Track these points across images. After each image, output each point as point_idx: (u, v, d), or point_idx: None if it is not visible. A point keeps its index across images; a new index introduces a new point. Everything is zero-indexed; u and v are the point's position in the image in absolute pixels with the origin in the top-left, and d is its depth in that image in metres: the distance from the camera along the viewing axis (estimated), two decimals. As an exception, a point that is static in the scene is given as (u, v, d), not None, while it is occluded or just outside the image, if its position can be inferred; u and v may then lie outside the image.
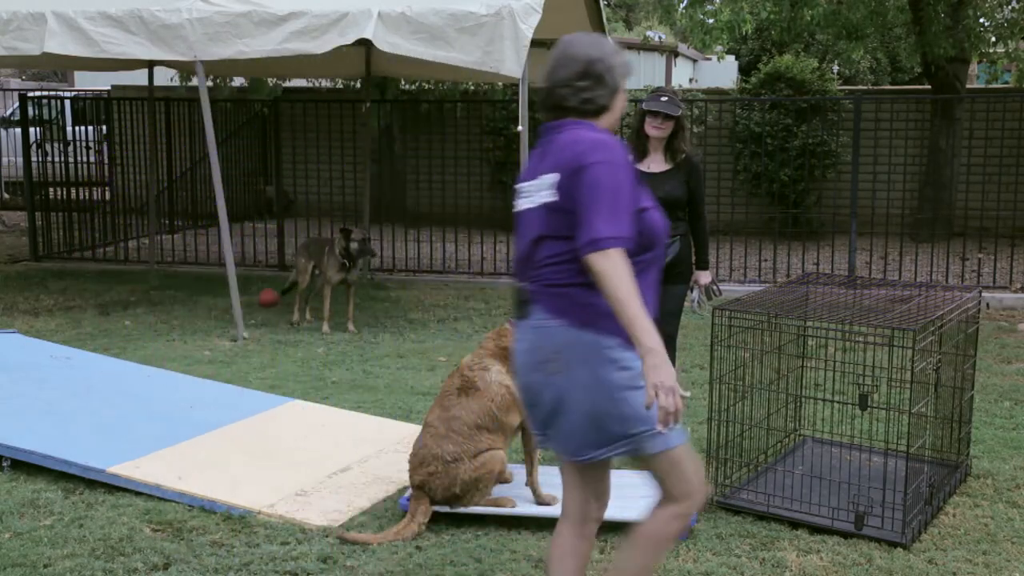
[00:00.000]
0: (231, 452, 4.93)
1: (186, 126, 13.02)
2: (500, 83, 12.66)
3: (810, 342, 5.09)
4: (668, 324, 5.05)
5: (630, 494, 4.42)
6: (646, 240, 2.87)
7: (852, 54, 14.59)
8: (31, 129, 12.19)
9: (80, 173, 12.67)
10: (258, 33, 7.43)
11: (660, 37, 25.14)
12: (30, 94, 13.12)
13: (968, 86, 14.46)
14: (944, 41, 11.81)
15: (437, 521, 4.19)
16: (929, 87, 13.21)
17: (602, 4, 9.54)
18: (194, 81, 11.14)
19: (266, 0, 7.51)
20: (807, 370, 4.99)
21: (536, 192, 2.92)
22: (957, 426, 4.73)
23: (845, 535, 4.11)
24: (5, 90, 19.06)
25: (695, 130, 12.67)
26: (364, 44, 7.55)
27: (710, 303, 5.23)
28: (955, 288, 5.28)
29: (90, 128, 13.37)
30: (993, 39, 13.07)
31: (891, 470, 4.27)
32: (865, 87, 19.14)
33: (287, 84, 14.78)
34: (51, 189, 12.35)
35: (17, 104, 14.50)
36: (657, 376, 2.64)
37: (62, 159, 12.14)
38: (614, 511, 4.21)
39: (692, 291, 5.51)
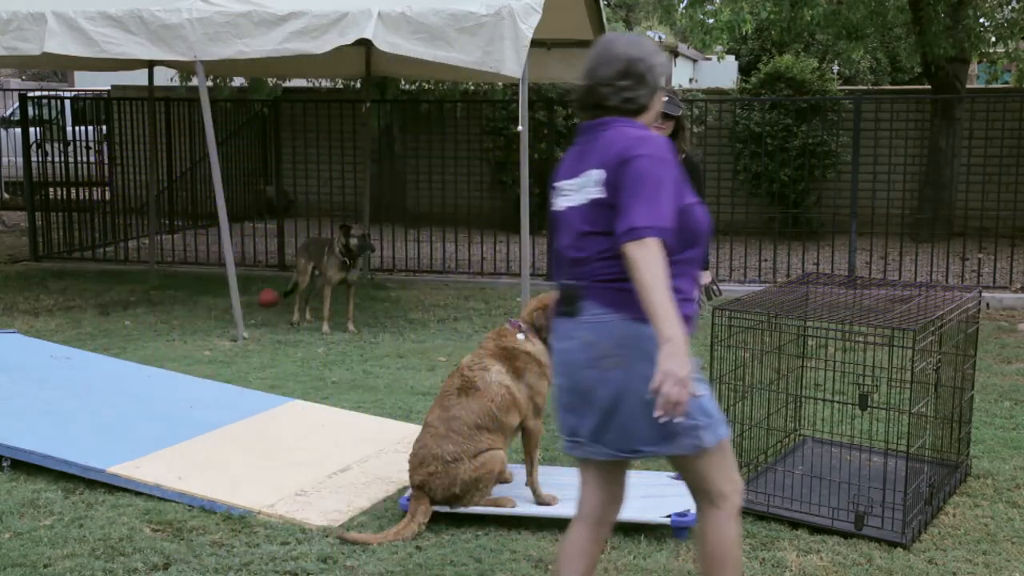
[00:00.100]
0: (231, 452, 4.93)
1: (186, 126, 13.02)
2: (500, 83, 12.67)
3: (810, 342, 5.09)
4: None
5: (630, 494, 4.42)
6: (689, 237, 2.88)
7: (852, 54, 14.60)
8: (31, 129, 12.19)
9: (80, 173, 12.67)
10: (258, 33, 7.43)
11: (660, 37, 25.17)
12: (30, 94, 13.12)
13: (968, 86, 14.47)
14: (944, 41, 11.81)
15: (437, 521, 4.19)
16: (929, 87, 13.22)
17: (602, 4, 9.54)
18: (194, 81, 11.14)
19: (266, 0, 7.50)
20: (807, 370, 4.99)
21: (579, 190, 2.92)
22: (957, 426, 4.73)
23: (845, 535, 4.11)
24: (5, 90, 19.06)
25: (695, 130, 12.68)
26: (364, 44, 7.55)
27: (710, 303, 5.23)
28: (955, 288, 5.28)
29: (90, 128, 13.37)
30: (993, 39, 13.08)
31: (891, 470, 4.27)
32: (865, 87, 19.15)
33: (287, 84, 14.79)
34: (51, 189, 12.35)
35: (17, 104, 14.51)
36: (669, 364, 2.63)
37: (62, 159, 12.14)
38: (614, 511, 4.22)
39: None
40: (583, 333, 2.90)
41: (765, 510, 4.30)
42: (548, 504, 4.27)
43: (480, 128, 13.72)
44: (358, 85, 13.82)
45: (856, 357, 4.68)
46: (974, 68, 17.52)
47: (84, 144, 12.52)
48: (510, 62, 7.01)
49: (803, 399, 5.03)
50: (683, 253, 2.86)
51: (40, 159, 11.93)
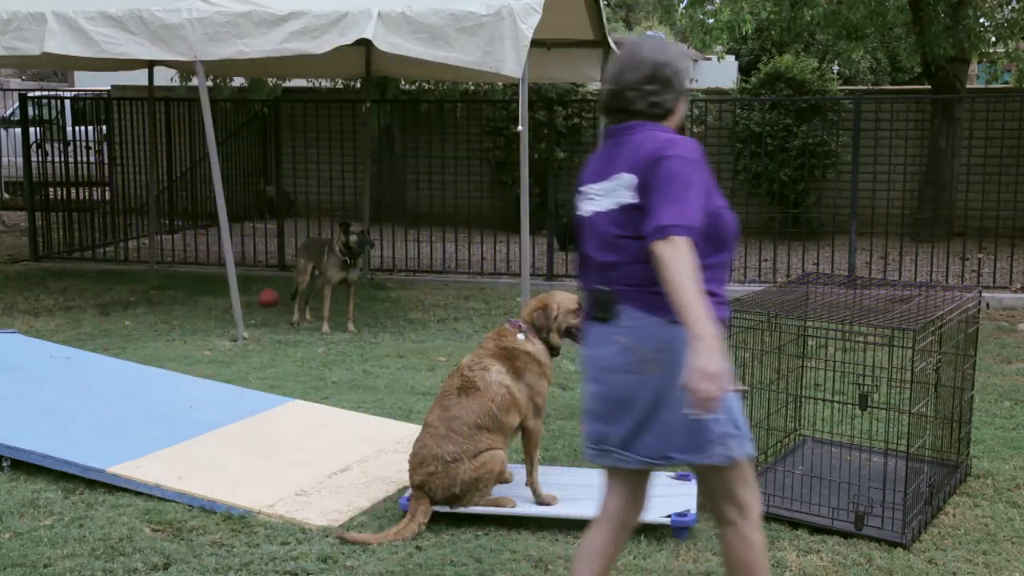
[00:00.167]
0: (231, 452, 4.93)
1: (186, 126, 13.02)
2: (500, 83, 12.67)
3: (810, 342, 5.09)
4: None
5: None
6: (719, 241, 2.88)
7: (852, 54, 14.58)
8: (31, 129, 12.19)
9: (80, 173, 12.67)
10: (258, 33, 7.43)
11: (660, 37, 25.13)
12: (30, 94, 13.12)
13: (968, 86, 14.47)
14: (944, 41, 11.81)
15: (437, 521, 4.19)
16: (929, 87, 13.22)
17: (602, 4, 9.54)
18: (194, 81, 11.14)
19: (266, 0, 7.50)
20: (807, 370, 4.99)
21: (607, 194, 2.92)
22: (957, 426, 4.73)
23: (845, 535, 4.11)
24: (5, 90, 19.07)
25: (695, 130, 12.68)
26: (364, 44, 7.55)
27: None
28: (955, 288, 5.28)
29: (90, 128, 13.37)
30: (993, 39, 13.07)
31: (891, 470, 4.27)
32: (865, 87, 19.14)
33: (287, 84, 14.79)
34: (51, 189, 12.36)
35: (17, 104, 14.51)
36: (700, 361, 2.62)
37: (62, 159, 12.14)
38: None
39: None
40: (620, 338, 2.88)
41: (765, 510, 4.28)
42: (548, 504, 4.27)
43: (480, 128, 13.72)
44: (358, 85, 13.82)
45: (856, 357, 4.68)
46: (974, 68, 17.52)
47: (84, 144, 12.52)
48: (510, 62, 7.01)
49: (803, 399, 5.03)
50: (713, 257, 2.86)
51: (40, 159, 11.93)
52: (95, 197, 13.30)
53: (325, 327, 8.01)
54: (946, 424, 4.68)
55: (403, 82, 13.84)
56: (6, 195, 17.07)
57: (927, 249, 11.52)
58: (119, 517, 4.24)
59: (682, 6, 13.03)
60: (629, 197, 2.86)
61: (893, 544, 4.03)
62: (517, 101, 7.55)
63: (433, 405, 4.33)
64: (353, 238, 7.97)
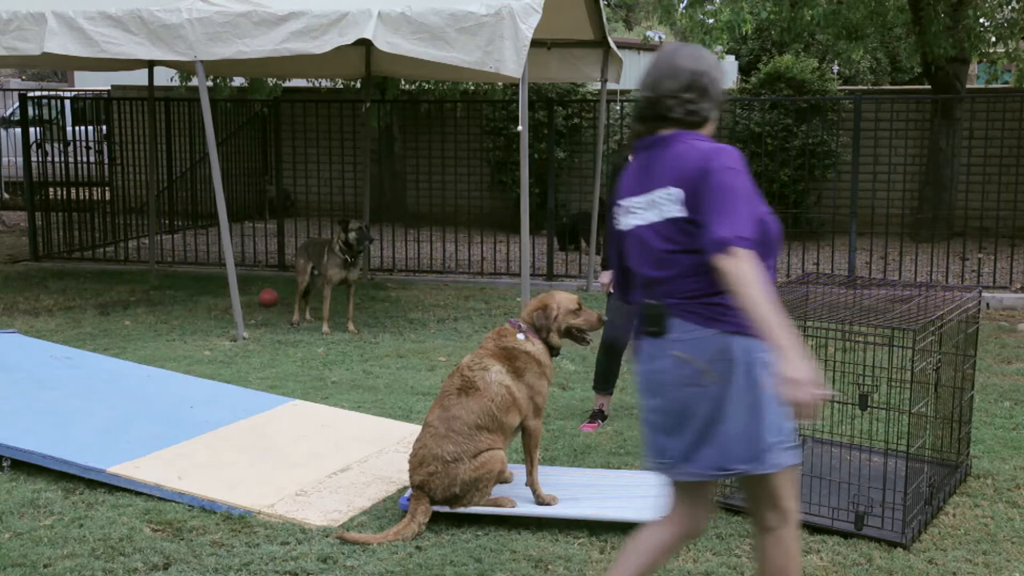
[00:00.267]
0: (231, 452, 4.93)
1: (186, 126, 13.03)
2: (500, 83, 12.67)
3: (810, 342, 5.09)
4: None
5: (629, 494, 4.43)
6: (765, 247, 2.88)
7: (852, 54, 14.59)
8: (31, 129, 12.19)
9: (80, 173, 12.67)
10: (258, 33, 7.43)
11: (660, 37, 25.15)
12: (30, 94, 13.12)
13: (968, 86, 14.47)
14: (944, 41, 11.81)
15: (437, 521, 4.19)
16: (929, 87, 13.22)
17: (602, 4, 9.54)
18: (194, 81, 11.15)
19: (266, 0, 7.51)
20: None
21: (649, 207, 2.92)
22: (957, 426, 4.73)
23: (845, 535, 4.11)
24: (5, 90, 19.07)
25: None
26: (364, 44, 7.54)
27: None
28: (955, 288, 5.28)
29: (90, 128, 13.37)
30: (993, 39, 13.06)
31: (891, 470, 4.27)
32: (865, 87, 19.14)
33: (287, 84, 14.80)
34: (51, 189, 12.36)
35: (17, 104, 14.51)
36: (790, 371, 2.63)
37: (62, 159, 12.14)
38: (614, 511, 4.23)
39: None
40: (675, 352, 2.88)
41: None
42: (548, 504, 4.27)
43: (480, 128, 13.72)
44: (358, 85, 13.82)
45: (856, 357, 4.68)
46: (974, 68, 17.51)
47: (84, 144, 12.53)
48: (510, 62, 7.01)
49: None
50: (760, 263, 2.86)
51: (40, 159, 11.94)
52: (95, 197, 13.30)
53: (325, 327, 8.01)
54: (946, 424, 4.68)
55: (403, 82, 13.84)
56: (6, 195, 17.07)
57: (927, 249, 11.52)
58: (119, 517, 4.24)
59: (682, 6, 13.01)
60: (676, 211, 2.86)
61: (893, 544, 4.03)
62: (517, 101, 7.56)
63: (433, 405, 4.33)
64: (352, 235, 7.97)
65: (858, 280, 5.27)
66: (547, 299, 4.39)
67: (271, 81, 13.71)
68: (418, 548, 3.99)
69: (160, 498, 4.41)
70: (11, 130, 16.15)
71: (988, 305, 8.88)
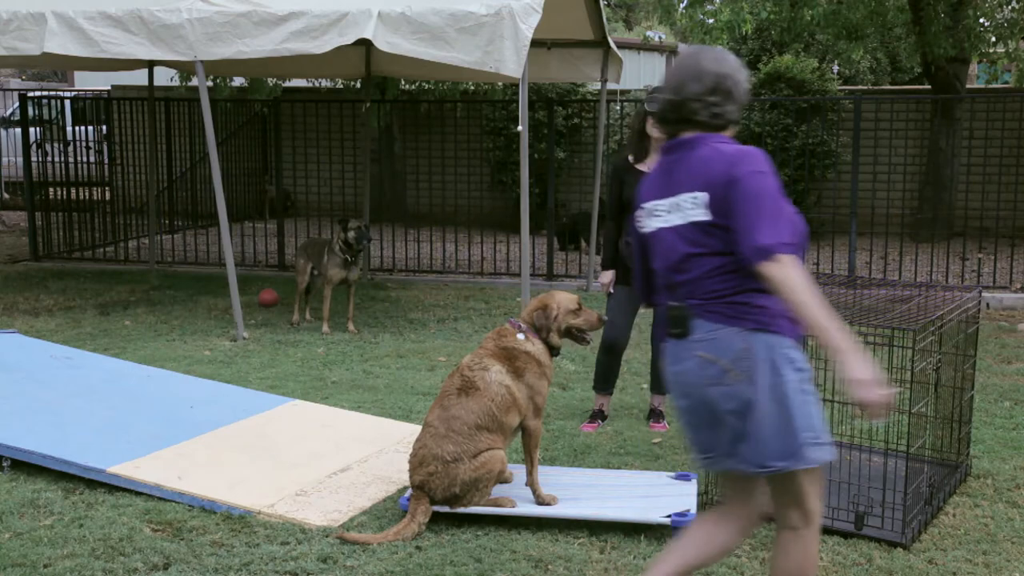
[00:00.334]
0: (231, 452, 4.93)
1: (186, 126, 13.03)
2: (500, 83, 12.67)
3: (810, 342, 5.08)
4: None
5: (629, 494, 4.43)
6: (798, 248, 2.88)
7: (852, 54, 14.59)
8: (31, 129, 12.19)
9: (80, 173, 12.67)
10: (258, 33, 7.43)
11: (660, 37, 25.15)
12: (30, 94, 13.13)
13: (968, 86, 14.46)
14: (944, 41, 11.81)
15: (437, 521, 4.18)
16: (929, 87, 13.22)
17: (602, 4, 9.54)
18: (194, 81, 11.14)
19: (266, 0, 7.51)
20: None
21: (673, 210, 2.93)
22: (957, 426, 4.73)
23: (845, 535, 4.11)
24: (5, 90, 19.07)
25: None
26: (364, 44, 7.54)
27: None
28: (955, 288, 5.28)
29: (90, 128, 13.37)
30: (993, 39, 13.06)
31: (891, 470, 4.27)
32: (865, 87, 19.14)
33: (287, 84, 14.80)
34: (51, 189, 12.36)
35: (17, 104, 14.51)
36: (850, 371, 2.64)
37: (62, 159, 12.14)
38: (614, 511, 4.23)
39: None
40: (699, 352, 2.89)
41: (764, 510, 4.29)
42: (548, 504, 4.26)
43: (480, 128, 13.72)
44: (358, 85, 13.82)
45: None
46: (974, 68, 17.50)
47: (84, 144, 12.53)
48: (510, 62, 7.01)
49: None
50: None
51: (40, 159, 11.94)
52: (95, 197, 13.31)
53: (325, 327, 8.01)
54: (946, 424, 4.68)
55: (403, 82, 13.84)
56: (6, 195, 17.08)
57: (927, 249, 11.52)
58: (119, 517, 4.24)
59: (682, 6, 13.01)
60: (701, 214, 2.87)
61: (893, 544, 4.03)
62: (517, 101, 7.56)
63: (433, 405, 4.33)
64: (351, 233, 7.97)
65: (858, 280, 5.27)
66: (547, 299, 4.39)
67: (271, 81, 13.72)
68: (418, 548, 3.99)
69: (160, 498, 4.41)
70: (11, 130, 16.15)
71: (988, 305, 8.88)
